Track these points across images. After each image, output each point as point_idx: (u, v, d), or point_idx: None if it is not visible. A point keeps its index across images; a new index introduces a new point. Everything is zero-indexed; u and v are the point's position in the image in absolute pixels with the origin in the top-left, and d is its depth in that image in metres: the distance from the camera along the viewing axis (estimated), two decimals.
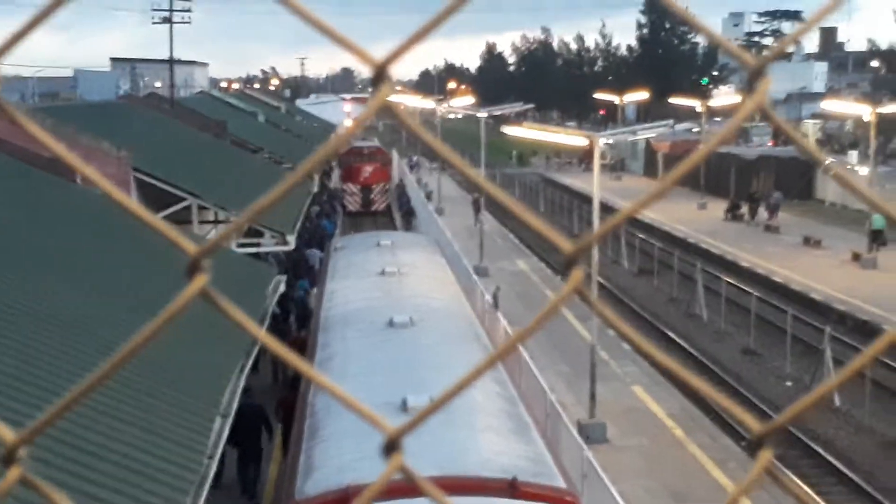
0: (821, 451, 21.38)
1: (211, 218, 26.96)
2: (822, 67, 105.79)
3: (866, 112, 40.24)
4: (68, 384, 10.34)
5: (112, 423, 10.58)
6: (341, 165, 57.94)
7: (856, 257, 38.27)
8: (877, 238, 38.95)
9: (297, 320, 26.65)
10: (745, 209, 50.82)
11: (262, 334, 1.14)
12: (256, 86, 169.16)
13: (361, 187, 55.39)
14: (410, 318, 16.41)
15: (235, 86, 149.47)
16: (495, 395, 13.89)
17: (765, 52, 1.10)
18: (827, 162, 1.33)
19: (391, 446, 1.10)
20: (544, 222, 1.13)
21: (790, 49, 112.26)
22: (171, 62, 58.68)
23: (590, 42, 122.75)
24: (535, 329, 1.14)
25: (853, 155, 61.40)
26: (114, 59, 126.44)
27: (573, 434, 15.86)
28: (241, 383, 14.04)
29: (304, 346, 22.58)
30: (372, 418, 1.10)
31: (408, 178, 61.58)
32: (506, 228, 50.66)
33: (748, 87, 1.08)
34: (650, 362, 26.80)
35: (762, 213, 49.32)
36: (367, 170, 55.45)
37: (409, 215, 49.84)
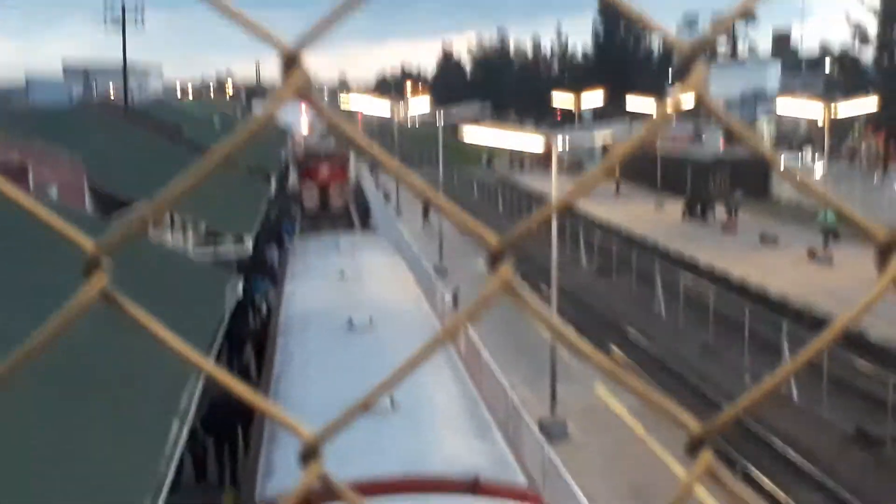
0: (780, 445, 21.53)
1: (166, 221, 26.71)
2: (775, 68, 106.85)
3: (819, 111, 40.67)
4: None
5: (68, 424, 10.44)
6: (299, 166, 59.12)
7: (811, 254, 38.66)
8: (829, 234, 39.87)
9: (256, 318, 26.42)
10: (700, 212, 50.68)
11: (185, 348, 1.03)
12: (212, 88, 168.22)
13: (319, 187, 56.65)
14: (370, 320, 16.33)
15: (190, 87, 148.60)
16: (456, 394, 13.85)
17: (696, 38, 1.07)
18: (778, 156, 1.27)
19: (309, 454, 1.05)
20: (470, 218, 1.09)
21: (746, 51, 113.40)
22: (125, 69, 58.15)
23: (546, 44, 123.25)
24: (460, 324, 1.12)
25: (806, 154, 62.06)
26: (66, 68, 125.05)
27: (534, 432, 15.85)
28: (200, 385, 13.90)
29: (263, 339, 22.57)
30: (289, 424, 1.04)
31: (363, 178, 62.27)
32: None
33: (682, 73, 1.06)
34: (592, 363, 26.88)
35: (720, 214, 49.41)
36: (325, 170, 56.78)
37: (366, 214, 50.55)
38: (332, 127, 1.06)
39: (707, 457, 1.10)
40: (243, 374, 22.21)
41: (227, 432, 17.66)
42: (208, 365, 1.08)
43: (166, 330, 1.01)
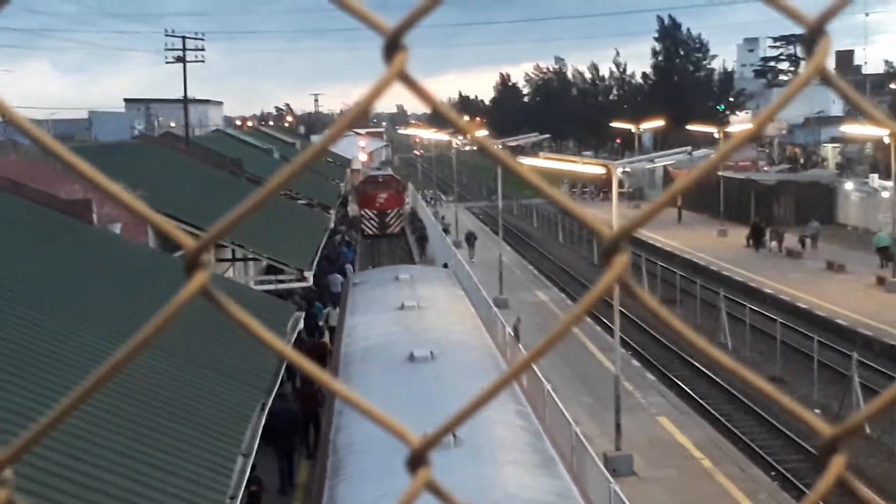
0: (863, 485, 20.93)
1: (228, 256, 26.82)
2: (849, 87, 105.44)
3: (885, 134, 39.90)
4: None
5: (130, 463, 10.37)
6: (358, 193, 63.00)
7: (880, 281, 37.83)
8: (884, 255, 40.68)
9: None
10: (769, 241, 48.99)
11: (270, 337, 1.05)
12: (271, 123, 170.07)
13: (377, 212, 59.88)
14: (431, 353, 16.19)
15: (250, 123, 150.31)
16: (520, 428, 13.63)
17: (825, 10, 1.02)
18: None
19: (417, 460, 1.05)
20: (585, 211, 1.10)
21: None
22: (185, 101, 58.86)
23: (604, 71, 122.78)
24: (578, 318, 1.06)
25: (874, 178, 60.91)
26: (128, 100, 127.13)
27: (599, 467, 15.52)
28: (263, 420, 13.82)
29: (323, 351, 23.39)
30: (397, 430, 1.04)
31: (420, 205, 65.31)
32: (525, 260, 50.43)
33: (807, 51, 1.02)
34: (676, 391, 26.50)
35: (788, 240, 48.04)
36: (383, 196, 60.14)
37: (422, 240, 52.36)
38: (433, 108, 1.06)
39: (840, 461, 1.07)
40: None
41: (284, 441, 19.04)
42: (304, 361, 1.09)
43: (262, 326, 1.03)
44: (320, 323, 30.02)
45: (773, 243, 48.10)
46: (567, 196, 1.10)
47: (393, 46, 0.98)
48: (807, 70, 1.04)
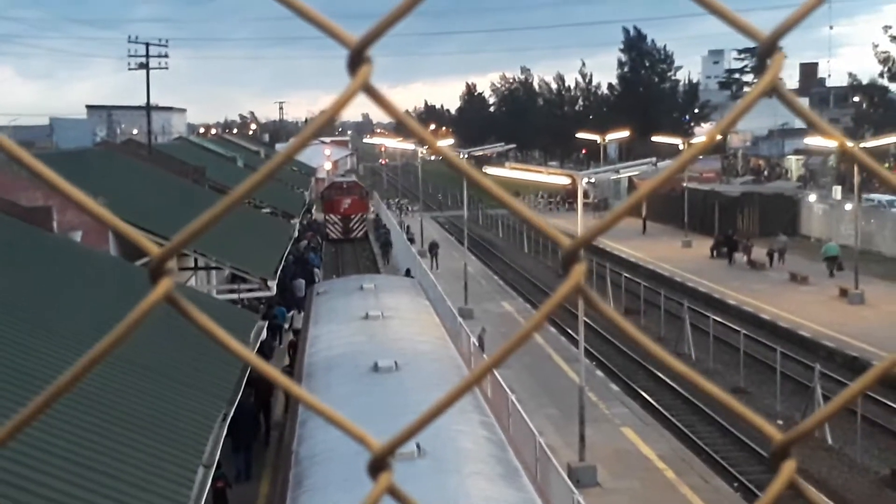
0: (814, 489, 21.02)
1: (190, 265, 26.59)
2: (803, 103, 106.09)
3: (848, 147, 40.19)
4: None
5: (90, 474, 10.23)
6: (323, 198, 65.60)
7: (843, 293, 38.12)
8: (832, 264, 42.99)
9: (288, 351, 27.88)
10: (738, 253, 48.86)
11: (234, 344, 1.06)
12: (235, 131, 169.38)
13: (342, 217, 62.62)
14: (395, 363, 16.11)
15: (214, 131, 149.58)
16: (484, 439, 13.57)
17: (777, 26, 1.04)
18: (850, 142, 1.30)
19: (378, 465, 1.05)
20: (545, 221, 1.14)
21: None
22: (148, 108, 58.45)
23: (570, 81, 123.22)
24: (538, 325, 1.07)
25: (837, 190, 61.49)
26: (90, 107, 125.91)
27: (563, 478, 15.48)
28: (224, 431, 13.67)
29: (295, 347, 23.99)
30: (358, 435, 1.05)
31: (384, 212, 68.16)
32: (490, 270, 50.41)
33: (759, 65, 1.04)
34: (640, 403, 26.53)
35: (760, 255, 47.95)
36: (347, 202, 63.01)
37: (386, 246, 53.81)
38: (397, 120, 1.07)
39: (791, 466, 1.10)
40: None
41: (244, 433, 19.89)
42: (268, 367, 1.12)
43: (225, 333, 1.05)
44: (285, 327, 30.16)
45: (744, 256, 48.10)
46: (528, 206, 1.08)
47: (357, 59, 1.01)
48: (758, 85, 1.06)
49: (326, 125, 1.06)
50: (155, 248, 1.03)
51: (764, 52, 1.05)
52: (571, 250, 1.06)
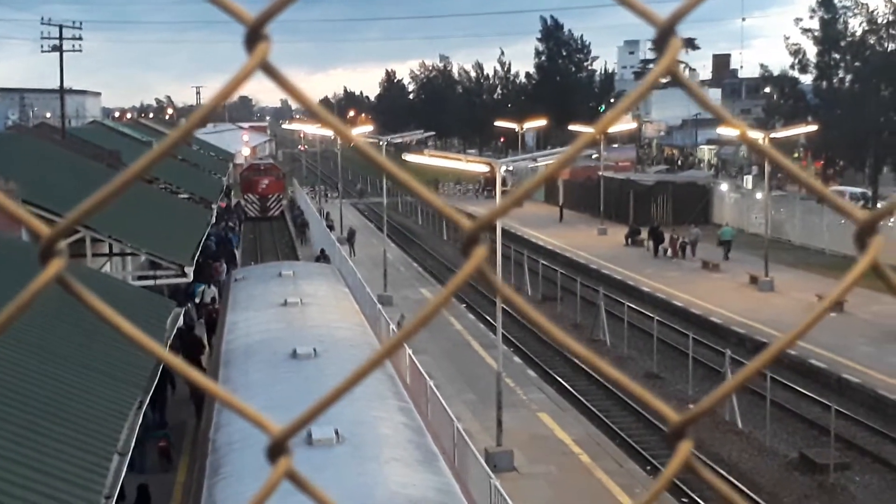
0: (724, 473, 21.54)
1: (105, 251, 26.22)
2: (716, 94, 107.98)
3: (759, 137, 41.06)
4: None
5: (4, 464, 10.08)
6: (242, 179, 69.53)
7: (753, 280, 38.98)
8: (727, 248, 45.34)
9: (206, 325, 28.39)
10: (648, 243, 49.44)
11: (126, 326, 1.03)
12: (151, 115, 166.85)
13: (259, 197, 66.64)
14: (314, 350, 16.11)
15: (129, 115, 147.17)
16: (402, 425, 13.65)
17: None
18: (753, 134, 1.28)
19: (277, 449, 1.04)
20: (448, 205, 1.14)
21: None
22: (62, 91, 57.33)
23: (489, 70, 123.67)
24: (443, 303, 1.06)
25: (748, 179, 62.71)
26: (1, 90, 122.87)
27: (481, 463, 15.66)
28: (140, 419, 13.58)
29: (199, 344, 25.17)
30: (255, 418, 1.04)
31: (300, 193, 71.93)
32: (409, 257, 50.51)
33: (658, 49, 1.06)
34: (556, 388, 26.88)
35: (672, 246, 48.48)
36: (264, 182, 67.03)
37: (303, 227, 56.62)
38: (298, 100, 1.05)
39: (687, 446, 1.11)
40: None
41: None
42: (166, 354, 1.09)
43: (120, 316, 1.02)
44: (196, 300, 30.16)
45: (652, 250, 48.50)
46: (447, 194, 1.11)
47: (254, 36, 0.98)
48: (655, 69, 1.06)
49: (223, 101, 1.03)
50: (44, 229, 1.00)
51: (661, 37, 1.05)
52: (472, 233, 1.06)
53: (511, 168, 44.06)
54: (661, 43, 1.06)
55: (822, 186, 1.20)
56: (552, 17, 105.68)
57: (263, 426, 1.03)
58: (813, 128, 46.33)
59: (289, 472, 1.04)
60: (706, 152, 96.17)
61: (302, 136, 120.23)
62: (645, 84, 1.09)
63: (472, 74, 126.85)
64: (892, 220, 39.36)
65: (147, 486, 17.65)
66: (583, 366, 29.57)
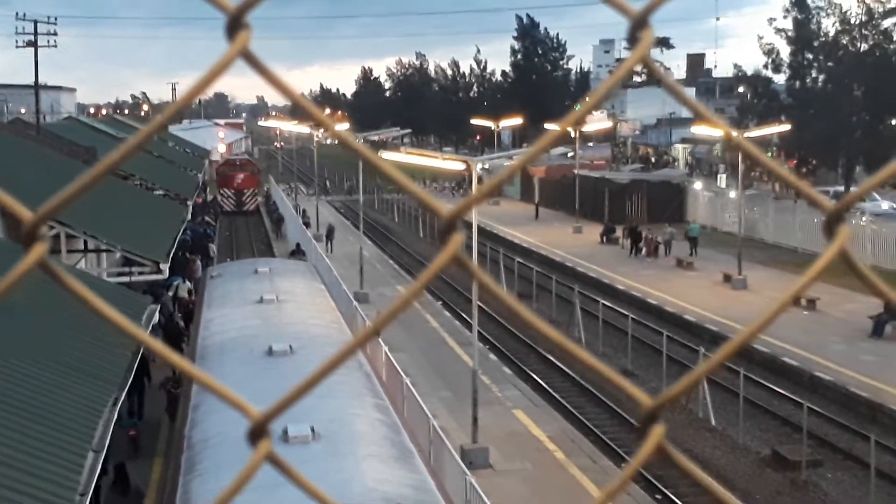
0: (697, 469, 21.66)
1: (80, 247, 26.11)
2: (690, 93, 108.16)
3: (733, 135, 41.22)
4: None
5: None
6: (218, 174, 70.48)
7: (727, 278, 39.20)
8: (693, 244, 46.01)
9: (182, 317, 28.32)
10: (623, 241, 49.72)
11: (108, 311, 1.03)
12: (126, 112, 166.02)
13: (235, 191, 67.47)
14: (290, 346, 16.11)
15: (104, 111, 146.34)
16: (378, 422, 13.68)
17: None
18: (730, 128, 1.35)
19: (258, 432, 1.04)
20: (427, 194, 1.14)
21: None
22: (37, 87, 56.98)
23: (465, 68, 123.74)
24: (417, 293, 1.10)
25: (722, 178, 63.07)
26: None
27: (456, 460, 15.71)
28: (115, 416, 13.56)
29: (180, 332, 25.42)
30: (236, 402, 1.04)
31: (274, 188, 73.04)
32: (385, 254, 50.50)
33: (632, 41, 1.07)
34: (532, 385, 26.97)
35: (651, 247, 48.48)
36: (240, 177, 68.10)
37: (279, 221, 57.62)
38: (278, 89, 1.06)
39: (659, 430, 1.12)
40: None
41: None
42: (148, 338, 1.10)
43: (103, 302, 1.02)
44: (169, 293, 30.36)
45: (629, 250, 48.60)
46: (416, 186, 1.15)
47: (235, 24, 0.99)
48: (628, 60, 1.09)
49: (205, 87, 1.03)
50: (28, 214, 1.01)
51: (635, 28, 1.06)
52: (449, 220, 1.07)
53: (487, 166, 44.15)
54: (634, 34, 1.07)
55: (795, 178, 1.24)
56: (528, 15, 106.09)
57: (244, 409, 1.05)
58: (786, 127, 46.63)
59: (269, 455, 1.05)
60: (680, 151, 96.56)
61: (278, 133, 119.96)
62: (619, 72, 1.11)
63: (449, 72, 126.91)
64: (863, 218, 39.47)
65: (125, 464, 17.64)
66: (557, 363, 29.71)
